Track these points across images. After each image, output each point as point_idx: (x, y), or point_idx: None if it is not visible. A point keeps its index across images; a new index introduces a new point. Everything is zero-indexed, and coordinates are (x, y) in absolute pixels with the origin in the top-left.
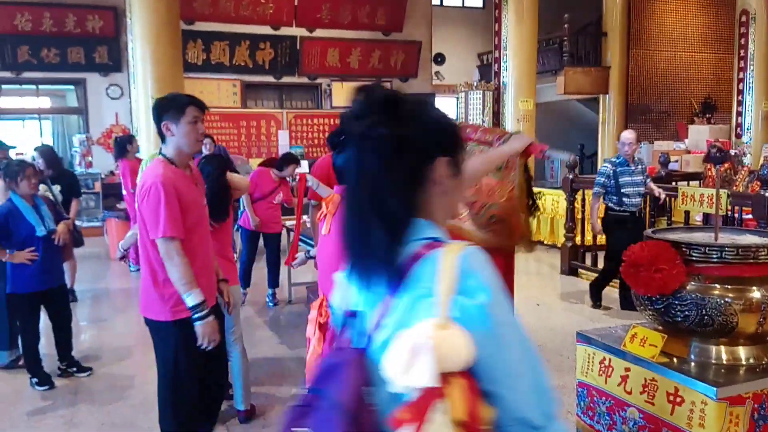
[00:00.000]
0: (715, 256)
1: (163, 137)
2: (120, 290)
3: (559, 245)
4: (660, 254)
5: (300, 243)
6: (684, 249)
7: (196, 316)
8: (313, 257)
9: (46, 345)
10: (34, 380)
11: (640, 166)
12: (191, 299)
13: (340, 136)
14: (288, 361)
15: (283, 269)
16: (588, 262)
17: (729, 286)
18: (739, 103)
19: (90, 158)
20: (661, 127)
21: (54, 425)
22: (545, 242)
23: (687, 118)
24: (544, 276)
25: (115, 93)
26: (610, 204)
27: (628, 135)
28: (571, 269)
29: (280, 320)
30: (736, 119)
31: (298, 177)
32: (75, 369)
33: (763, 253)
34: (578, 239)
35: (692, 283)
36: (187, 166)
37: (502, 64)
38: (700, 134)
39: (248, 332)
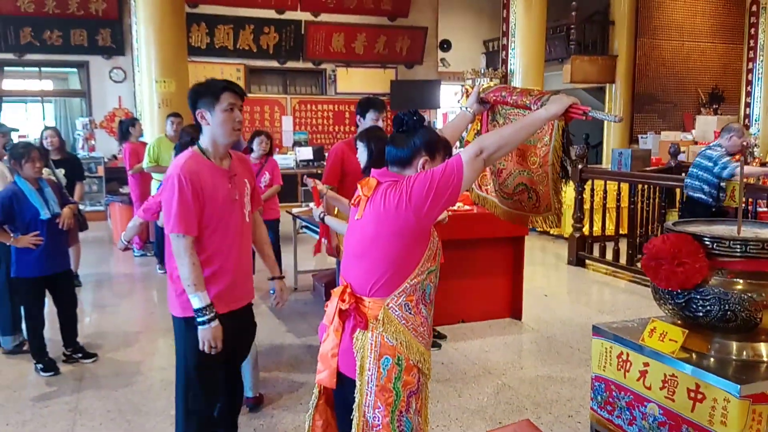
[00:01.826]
0: (738, 249)
1: (199, 127)
2: (123, 275)
3: (565, 235)
4: (682, 247)
5: (305, 230)
6: (707, 242)
7: (199, 320)
8: (322, 219)
9: (51, 330)
10: (39, 366)
11: None
12: (196, 301)
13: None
14: (296, 349)
15: (288, 256)
16: (596, 253)
17: (753, 281)
18: (748, 93)
19: (93, 142)
20: (667, 117)
21: (60, 411)
22: (551, 232)
23: (694, 109)
24: (550, 266)
25: (118, 76)
26: (710, 199)
27: (739, 125)
28: (578, 260)
29: (285, 308)
30: (745, 110)
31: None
32: (80, 355)
33: None
34: (586, 230)
35: (715, 277)
36: (224, 158)
37: (509, 51)
38: (707, 125)
39: None
